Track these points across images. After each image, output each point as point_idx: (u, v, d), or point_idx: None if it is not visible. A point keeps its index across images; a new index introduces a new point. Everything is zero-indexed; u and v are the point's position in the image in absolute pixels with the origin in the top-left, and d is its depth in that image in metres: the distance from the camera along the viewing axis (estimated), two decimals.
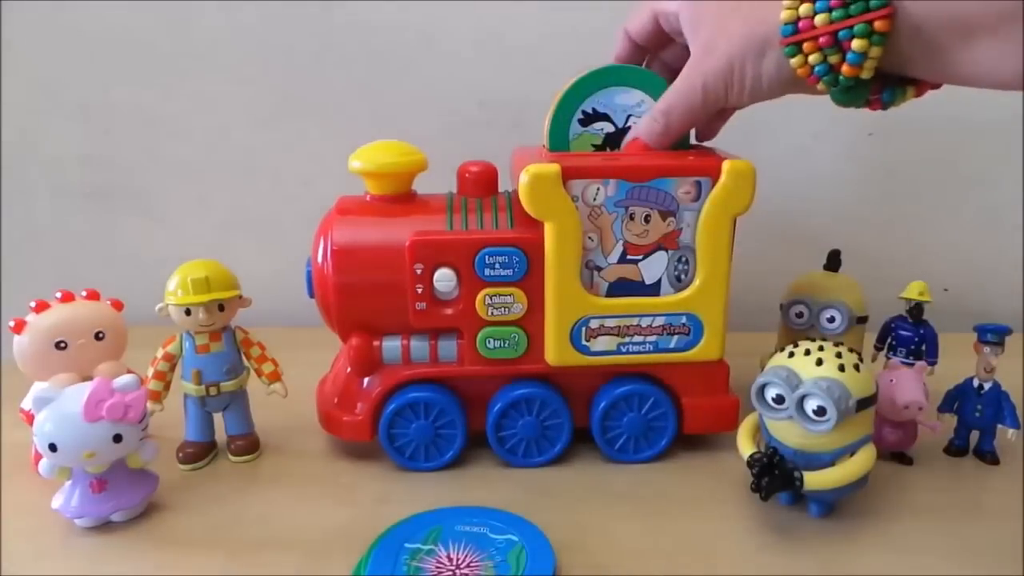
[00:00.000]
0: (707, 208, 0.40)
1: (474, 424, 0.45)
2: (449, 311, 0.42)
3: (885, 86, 0.35)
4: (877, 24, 0.32)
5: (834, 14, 0.33)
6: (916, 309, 0.48)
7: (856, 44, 0.32)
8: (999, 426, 0.44)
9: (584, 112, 0.42)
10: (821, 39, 0.33)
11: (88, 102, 0.68)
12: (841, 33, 0.33)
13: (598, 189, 0.40)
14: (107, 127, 0.68)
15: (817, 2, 0.33)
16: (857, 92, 0.35)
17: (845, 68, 0.33)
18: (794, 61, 0.34)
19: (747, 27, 0.36)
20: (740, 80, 0.37)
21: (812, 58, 0.34)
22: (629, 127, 0.43)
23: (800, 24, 0.34)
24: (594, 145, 0.43)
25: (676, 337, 0.43)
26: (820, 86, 0.35)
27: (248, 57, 0.66)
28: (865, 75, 0.34)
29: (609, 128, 0.43)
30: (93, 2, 0.64)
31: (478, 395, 0.45)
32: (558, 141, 0.43)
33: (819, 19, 0.33)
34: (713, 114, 0.40)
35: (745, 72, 0.36)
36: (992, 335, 0.44)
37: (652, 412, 0.44)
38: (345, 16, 0.64)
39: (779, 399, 0.37)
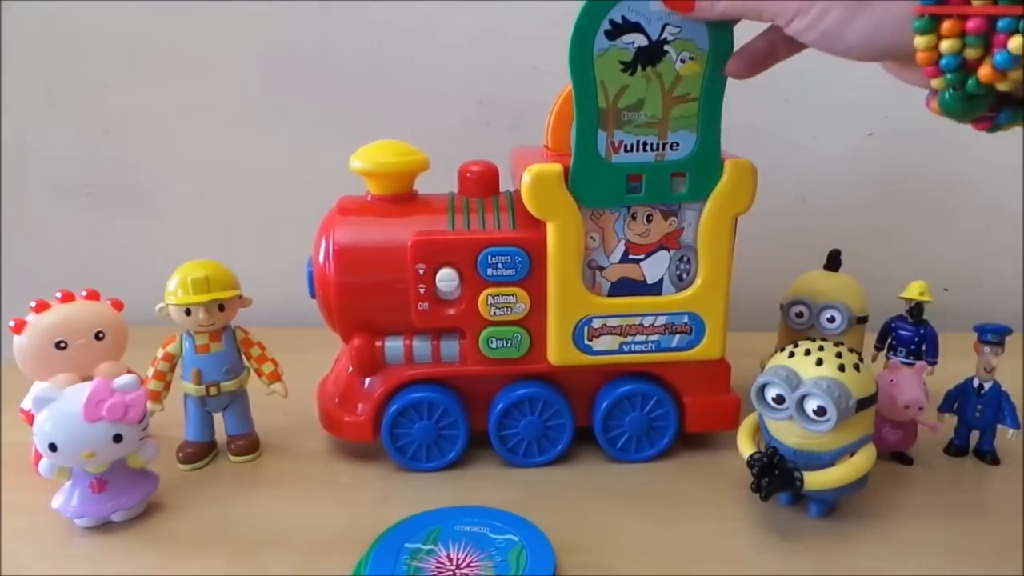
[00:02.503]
0: (709, 208, 0.40)
1: (476, 424, 0.45)
2: (451, 311, 0.42)
3: (1003, 105, 0.28)
4: None
5: None
6: (916, 309, 0.48)
7: (1016, 43, 0.25)
8: (999, 426, 0.44)
9: (612, 22, 0.36)
10: (971, 22, 0.25)
11: (88, 102, 0.67)
12: (1001, 23, 0.25)
13: None
14: (107, 127, 0.68)
15: None
16: (976, 104, 0.27)
17: (985, 71, 0.26)
18: (920, 40, 0.26)
19: None
20: (818, 16, 0.29)
21: (946, 44, 0.26)
22: (665, 39, 0.36)
23: None
24: (622, 62, 0.37)
25: (678, 336, 0.43)
26: (937, 82, 0.27)
27: (248, 57, 0.66)
28: (1005, 87, 0.26)
29: (642, 41, 0.36)
30: (93, 2, 0.64)
31: (480, 395, 0.45)
32: (580, 61, 0.37)
33: None
34: (766, 26, 0.33)
35: (830, 11, 0.29)
36: (992, 335, 0.44)
37: (654, 411, 0.44)
38: (345, 16, 0.64)
39: (779, 399, 0.37)
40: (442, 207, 0.43)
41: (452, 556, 0.35)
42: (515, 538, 0.37)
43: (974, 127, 0.29)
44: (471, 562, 0.35)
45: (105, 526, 0.39)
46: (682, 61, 0.37)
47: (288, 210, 0.67)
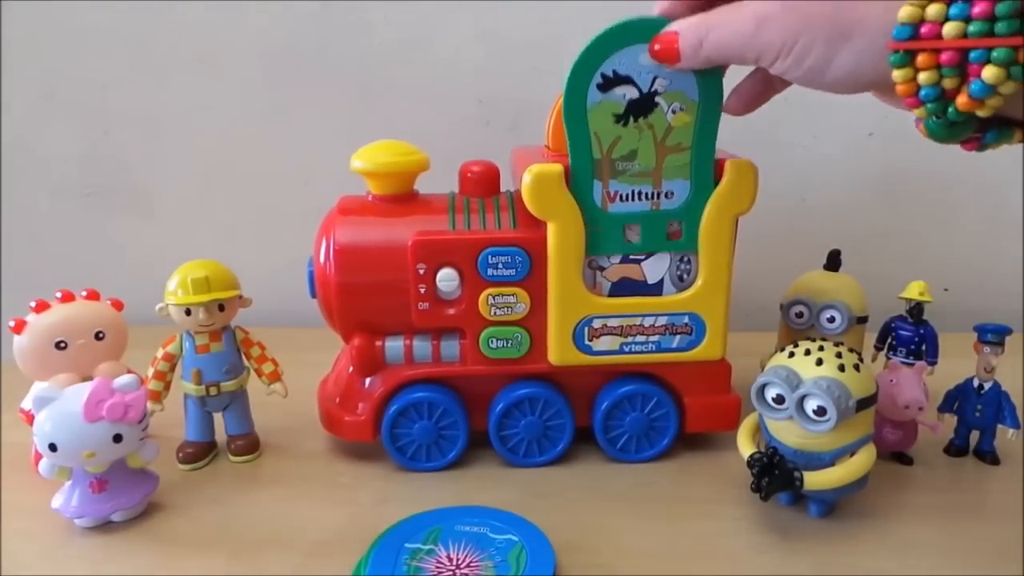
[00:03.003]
0: (709, 208, 0.40)
1: (476, 424, 0.45)
2: (452, 311, 0.42)
3: (988, 126, 0.29)
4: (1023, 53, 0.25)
5: (972, 27, 0.25)
6: (916, 309, 0.48)
7: (989, 73, 0.26)
8: (999, 426, 0.44)
9: (603, 75, 0.37)
10: (944, 55, 0.26)
11: (88, 102, 0.67)
12: (973, 54, 0.26)
13: None
14: (107, 127, 0.68)
15: (952, 5, 0.26)
16: (959, 129, 0.28)
17: (962, 100, 0.27)
18: (898, 74, 0.27)
19: (843, 5, 0.28)
20: (801, 54, 0.29)
21: (923, 76, 0.27)
22: (656, 91, 0.37)
23: (922, 29, 0.26)
24: (615, 115, 0.38)
25: (678, 337, 0.43)
26: (918, 111, 0.28)
27: (248, 57, 0.66)
28: (984, 113, 0.27)
29: (633, 93, 0.37)
30: (93, 2, 0.64)
31: (480, 395, 0.45)
32: (574, 113, 0.38)
33: (950, 28, 0.26)
34: (750, 67, 0.33)
35: (812, 48, 0.29)
36: (992, 335, 0.44)
37: (654, 412, 0.44)
38: (345, 16, 0.64)
39: (779, 399, 0.37)
40: (442, 207, 0.43)
41: (452, 556, 0.35)
42: (515, 538, 0.37)
43: (963, 148, 0.30)
44: (471, 562, 0.35)
45: (105, 526, 0.39)
46: (673, 112, 0.38)
47: (288, 210, 0.67)
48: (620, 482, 0.43)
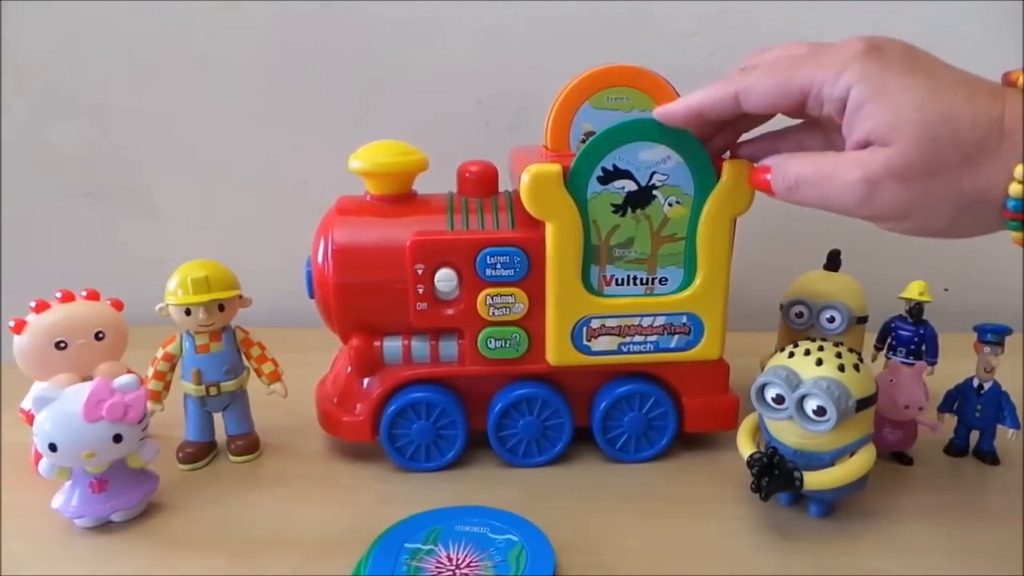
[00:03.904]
0: (708, 208, 0.40)
1: (475, 424, 0.45)
2: (450, 311, 0.42)
3: None
4: None
5: None
6: (916, 309, 0.48)
7: None
8: (999, 426, 0.44)
9: (604, 169, 0.39)
10: None
11: (88, 102, 0.68)
12: None
13: None
14: (107, 127, 0.68)
15: None
16: None
17: None
18: (1016, 236, 0.29)
19: (965, 175, 0.29)
20: (924, 221, 0.30)
21: None
22: (654, 185, 0.39)
23: None
24: (613, 205, 0.40)
25: (676, 337, 0.43)
26: None
27: (248, 57, 0.66)
28: None
29: (631, 186, 0.39)
30: (93, 2, 0.64)
31: (479, 395, 0.45)
32: (576, 200, 0.39)
33: None
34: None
35: (936, 217, 0.30)
36: (992, 335, 0.44)
37: (653, 411, 0.44)
38: (345, 15, 0.64)
39: (779, 399, 0.37)
40: (441, 207, 0.43)
41: (452, 556, 0.35)
42: (515, 538, 0.37)
43: None
44: (471, 562, 0.35)
45: (105, 526, 0.39)
46: (669, 205, 0.40)
47: (288, 210, 0.67)
48: (620, 482, 0.43)
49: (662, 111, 0.37)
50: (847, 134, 0.31)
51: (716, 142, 0.39)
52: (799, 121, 0.38)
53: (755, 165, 0.36)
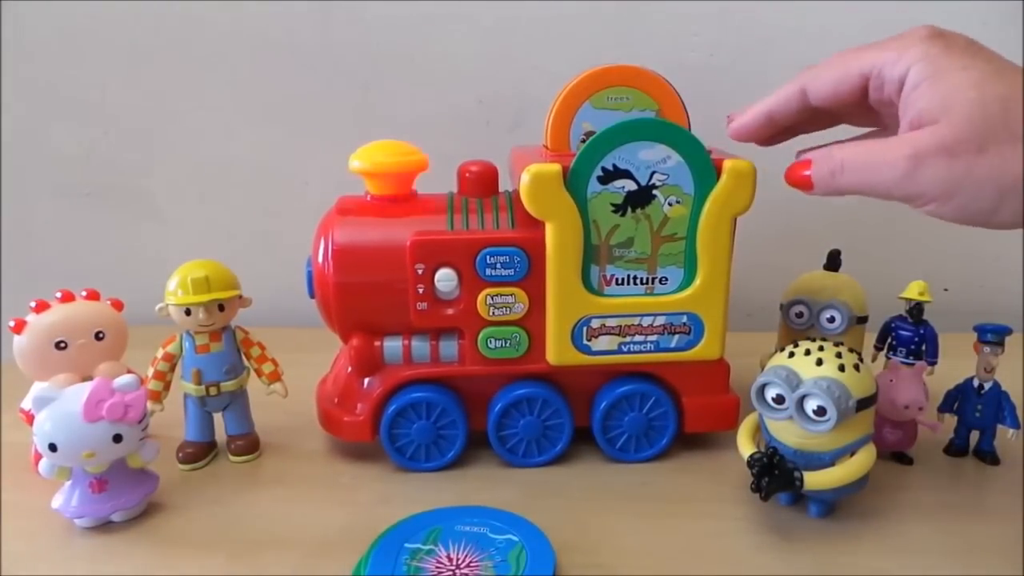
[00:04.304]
0: (708, 208, 0.40)
1: (475, 424, 0.45)
2: (450, 311, 0.42)
3: None
4: None
5: None
6: (916, 309, 0.48)
7: None
8: (999, 426, 0.44)
9: (604, 169, 0.39)
10: None
11: (88, 102, 0.68)
12: None
13: None
14: (107, 127, 0.69)
15: None
16: None
17: None
18: None
19: (1011, 158, 0.28)
20: (966, 203, 0.29)
21: None
22: (654, 184, 0.39)
23: None
24: (613, 204, 0.40)
25: (677, 336, 0.43)
26: None
27: (248, 57, 0.66)
28: None
29: (631, 186, 0.39)
30: (93, 2, 0.64)
31: (479, 395, 0.45)
32: (576, 200, 0.39)
33: None
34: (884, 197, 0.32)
35: (979, 199, 0.29)
36: (992, 335, 0.44)
37: (653, 411, 0.44)
38: (344, 15, 0.64)
39: (779, 399, 0.37)
40: (441, 207, 0.43)
41: (452, 556, 0.35)
42: (515, 538, 0.37)
43: None
44: (471, 562, 0.35)
45: (105, 526, 0.39)
46: (669, 204, 0.40)
47: (288, 210, 0.68)
48: (620, 482, 0.43)
49: (735, 128, 0.37)
50: (903, 115, 0.31)
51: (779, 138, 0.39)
52: (864, 131, 0.38)
53: (795, 161, 0.35)
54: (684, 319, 0.42)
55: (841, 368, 0.37)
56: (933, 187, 0.29)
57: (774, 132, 0.37)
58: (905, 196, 0.31)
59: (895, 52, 0.31)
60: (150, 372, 0.45)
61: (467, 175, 0.44)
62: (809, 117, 0.36)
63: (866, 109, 0.35)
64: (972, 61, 0.30)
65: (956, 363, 0.46)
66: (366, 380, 0.44)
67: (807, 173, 0.33)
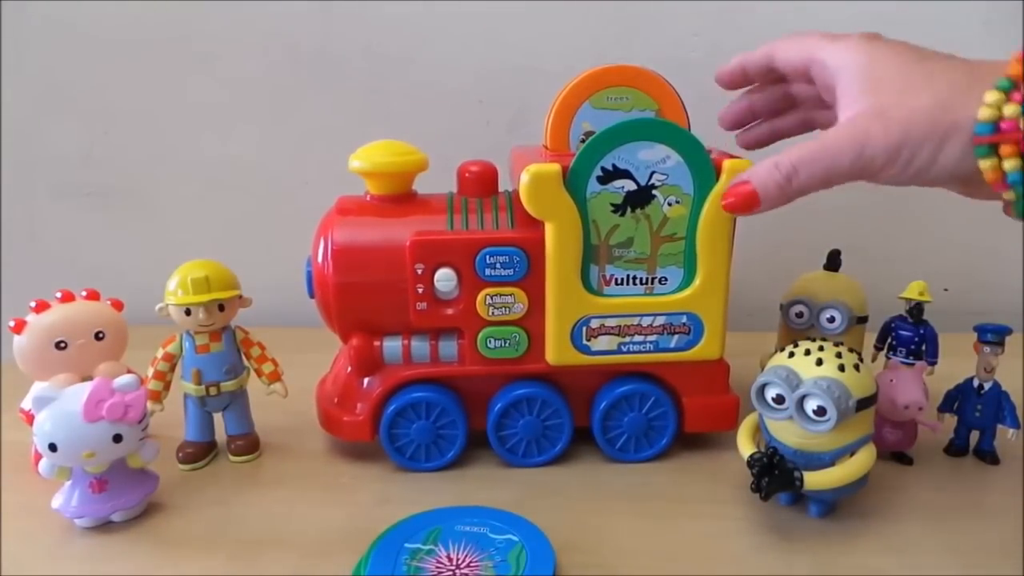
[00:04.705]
0: (707, 208, 0.40)
1: (475, 424, 0.45)
2: (450, 311, 0.42)
3: None
4: None
5: None
6: (916, 309, 0.48)
7: None
8: (999, 426, 0.44)
9: (603, 169, 0.39)
10: None
11: (88, 102, 0.68)
12: None
13: None
14: (107, 127, 0.69)
15: None
16: None
17: None
18: (984, 163, 0.31)
19: (938, 107, 0.31)
20: (908, 160, 0.32)
21: (1008, 164, 0.30)
22: (653, 184, 0.39)
23: (1003, 124, 0.30)
24: (613, 204, 0.40)
25: (676, 336, 0.43)
26: (1008, 195, 0.32)
27: (248, 57, 0.66)
28: None
29: (631, 186, 0.39)
30: (93, 2, 0.64)
31: (479, 395, 0.45)
32: (575, 200, 0.39)
33: None
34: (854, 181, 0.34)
35: (919, 154, 0.32)
36: (992, 335, 0.44)
37: (652, 411, 0.44)
38: (345, 15, 0.64)
39: (779, 399, 0.37)
40: (441, 207, 0.43)
41: (452, 556, 0.35)
42: (515, 538, 0.37)
43: None
44: (471, 562, 0.35)
45: (105, 526, 0.39)
46: (669, 204, 0.40)
47: (288, 210, 0.67)
48: (620, 482, 0.43)
49: (719, 72, 0.42)
50: (840, 95, 0.34)
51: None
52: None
53: (730, 186, 0.36)
54: (684, 319, 0.42)
55: (841, 368, 0.37)
56: (881, 152, 0.32)
57: (744, 83, 0.42)
58: (862, 170, 0.33)
59: (837, 43, 0.35)
60: (150, 372, 0.45)
61: (467, 175, 0.44)
62: (768, 83, 0.41)
63: (811, 85, 0.38)
64: (897, 46, 0.34)
65: (956, 363, 0.46)
66: (366, 380, 0.44)
67: (750, 189, 0.35)
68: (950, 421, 0.46)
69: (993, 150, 0.30)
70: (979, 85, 0.31)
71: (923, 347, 0.48)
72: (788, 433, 0.38)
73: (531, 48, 0.64)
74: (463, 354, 0.43)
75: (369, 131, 0.46)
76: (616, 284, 0.42)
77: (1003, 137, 0.30)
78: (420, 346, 0.43)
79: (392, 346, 0.43)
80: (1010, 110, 0.30)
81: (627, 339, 0.42)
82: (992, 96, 0.30)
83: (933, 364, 0.47)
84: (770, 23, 0.63)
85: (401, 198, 0.44)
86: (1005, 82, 0.30)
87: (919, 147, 0.32)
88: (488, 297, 0.41)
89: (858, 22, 0.62)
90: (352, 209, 0.44)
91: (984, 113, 0.30)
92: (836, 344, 0.38)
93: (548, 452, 0.45)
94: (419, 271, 0.41)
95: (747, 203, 0.35)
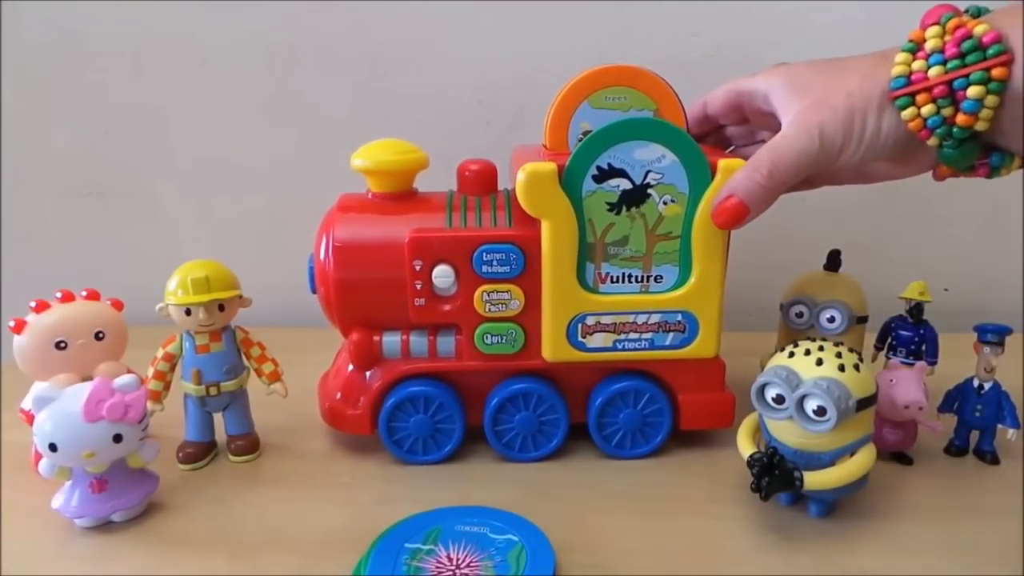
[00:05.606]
0: (702, 206, 0.40)
1: (472, 418, 0.45)
2: (448, 307, 0.42)
3: (992, 151, 0.35)
4: (995, 72, 0.32)
5: (949, 65, 0.33)
6: (916, 309, 0.48)
7: (972, 91, 0.32)
8: (999, 426, 0.44)
9: (599, 168, 0.39)
10: (935, 89, 0.33)
11: (88, 102, 0.68)
12: (956, 82, 0.33)
13: None
14: (107, 127, 0.69)
15: (930, 57, 0.33)
16: (969, 148, 0.35)
17: (960, 118, 0.33)
18: (906, 113, 0.34)
19: (866, 81, 0.35)
20: (860, 132, 0.35)
21: (925, 110, 0.34)
22: (648, 183, 0.40)
23: (913, 76, 0.34)
24: (608, 203, 0.40)
25: (672, 334, 0.43)
26: (932, 140, 0.34)
27: (248, 57, 0.66)
28: (980, 126, 0.33)
29: (626, 185, 0.40)
30: (93, 2, 0.65)
31: (476, 390, 0.45)
32: (571, 198, 0.40)
33: (933, 71, 0.33)
34: (821, 169, 0.37)
35: (867, 124, 0.35)
36: (992, 335, 0.44)
37: (648, 408, 0.44)
38: (345, 16, 0.64)
39: (779, 399, 0.37)
40: (440, 205, 0.43)
41: (452, 556, 0.35)
42: (515, 538, 0.37)
43: (977, 175, 0.37)
44: (471, 562, 0.35)
45: (105, 526, 0.39)
46: (664, 203, 0.40)
47: (288, 210, 0.68)
48: (620, 482, 0.43)
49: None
50: (781, 109, 0.38)
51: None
52: None
53: (716, 204, 0.38)
54: (679, 317, 0.42)
55: (841, 368, 0.37)
56: (839, 129, 0.35)
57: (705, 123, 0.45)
58: (827, 153, 0.36)
59: (756, 75, 0.40)
60: (150, 372, 0.45)
61: (467, 174, 0.44)
62: (707, 131, 0.45)
63: (742, 119, 0.43)
64: (808, 61, 0.38)
65: (956, 363, 0.46)
66: (367, 375, 0.44)
67: (736, 199, 0.37)
68: (950, 421, 0.46)
69: (911, 100, 0.34)
70: (892, 58, 0.35)
71: (923, 347, 0.48)
72: (788, 433, 0.38)
73: (531, 48, 0.64)
74: (460, 349, 0.43)
75: (370, 131, 0.46)
76: (612, 282, 0.42)
77: (915, 88, 0.34)
78: (419, 341, 0.43)
79: (391, 341, 0.44)
80: (917, 64, 0.34)
81: (622, 336, 0.42)
82: (901, 56, 0.34)
83: (933, 364, 0.47)
84: (770, 23, 0.63)
85: (402, 196, 0.44)
86: (910, 45, 0.34)
87: (864, 118, 0.35)
88: (485, 294, 0.42)
89: (856, 22, 0.62)
90: (353, 206, 0.44)
91: (896, 71, 0.34)
92: (836, 344, 0.38)
93: (544, 447, 0.45)
94: (417, 267, 0.41)
95: (737, 214, 0.38)
